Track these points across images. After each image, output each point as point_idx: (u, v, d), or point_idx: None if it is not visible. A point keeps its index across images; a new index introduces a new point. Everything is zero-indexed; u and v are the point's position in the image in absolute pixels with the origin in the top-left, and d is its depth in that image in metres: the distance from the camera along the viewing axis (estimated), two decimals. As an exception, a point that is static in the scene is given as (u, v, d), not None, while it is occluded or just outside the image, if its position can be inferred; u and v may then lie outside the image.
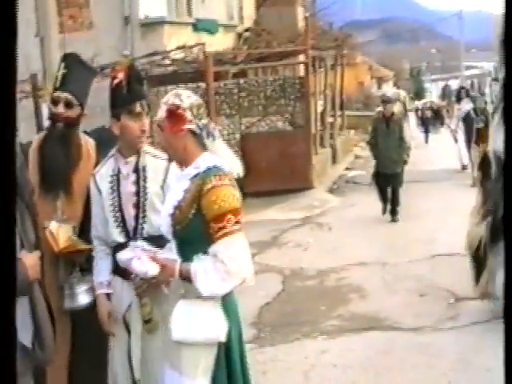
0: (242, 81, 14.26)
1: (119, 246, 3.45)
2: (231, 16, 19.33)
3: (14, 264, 1.55)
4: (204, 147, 3.04)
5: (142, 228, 3.50)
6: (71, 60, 3.77)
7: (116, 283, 3.58)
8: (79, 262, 3.67)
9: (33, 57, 14.37)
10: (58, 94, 3.67)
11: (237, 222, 2.90)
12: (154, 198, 3.48)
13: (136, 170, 3.53)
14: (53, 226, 3.52)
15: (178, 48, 14.11)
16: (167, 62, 14.24)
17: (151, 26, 15.04)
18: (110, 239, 3.56)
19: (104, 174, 3.59)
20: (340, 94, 19.46)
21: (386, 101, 11.23)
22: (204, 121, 3.04)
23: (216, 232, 2.87)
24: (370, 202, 11.16)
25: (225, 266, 2.84)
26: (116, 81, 3.52)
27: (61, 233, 3.50)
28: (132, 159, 3.53)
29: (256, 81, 14.40)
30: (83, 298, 3.64)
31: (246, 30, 19.75)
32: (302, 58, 16.28)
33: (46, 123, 12.56)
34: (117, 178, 3.55)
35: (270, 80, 14.28)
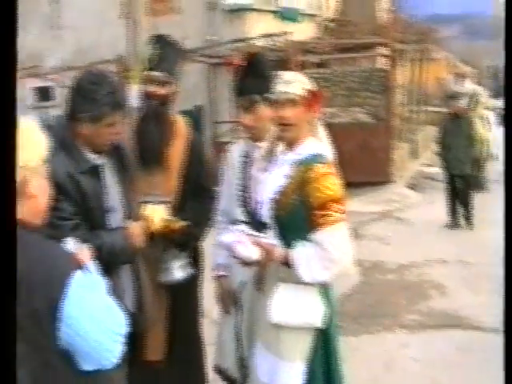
0: (324, 71, 14.23)
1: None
2: (314, 5, 19.22)
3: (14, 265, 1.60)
4: (311, 133, 3.07)
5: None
6: (162, 41, 3.80)
7: (231, 259, 3.65)
8: (175, 239, 3.76)
9: (120, 38, 14.70)
10: (150, 72, 3.72)
11: (341, 211, 2.93)
12: None
13: (266, 156, 3.48)
14: (148, 209, 3.61)
15: (263, 36, 14.18)
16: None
17: (236, 12, 15.13)
18: (233, 216, 3.64)
19: (236, 153, 3.68)
20: (420, 89, 19.17)
21: (452, 96, 10.65)
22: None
23: (320, 219, 2.88)
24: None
25: (328, 253, 2.87)
26: (237, 69, 3.66)
27: (155, 214, 3.58)
28: (263, 144, 3.53)
29: (339, 72, 14.34)
30: (178, 273, 3.72)
31: (329, 20, 19.64)
32: (383, 50, 16.12)
33: (131, 103, 12.81)
34: (246, 159, 3.62)
35: (354, 71, 14.20)
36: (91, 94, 3.06)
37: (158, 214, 3.53)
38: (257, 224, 3.36)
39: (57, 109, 12.96)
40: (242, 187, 3.61)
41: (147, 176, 3.75)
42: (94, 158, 3.20)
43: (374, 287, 7.43)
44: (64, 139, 3.09)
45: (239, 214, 3.60)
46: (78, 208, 3.08)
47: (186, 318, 3.87)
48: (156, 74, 3.71)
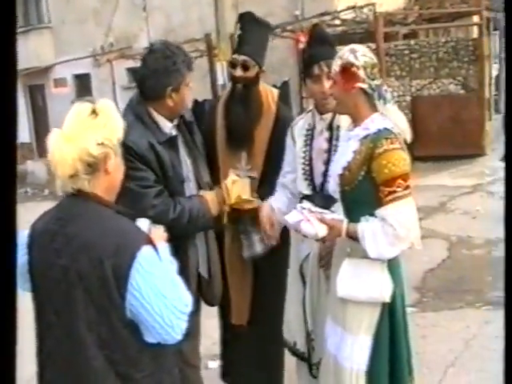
0: (412, 42, 13.93)
1: (305, 198, 3.55)
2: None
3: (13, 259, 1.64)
4: (375, 108, 3.00)
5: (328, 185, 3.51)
6: (246, 20, 3.82)
7: (295, 234, 3.65)
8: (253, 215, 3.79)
9: (206, 17, 14.86)
10: (235, 57, 3.77)
11: (407, 187, 2.87)
12: None
13: (330, 128, 3.53)
14: (229, 180, 3.69)
15: (349, 8, 14.00)
16: (337, 22, 14.19)
17: (322, -15, 14.97)
18: (297, 190, 3.65)
19: (301, 126, 3.66)
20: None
21: None
22: (377, 81, 2.98)
23: (386, 196, 2.86)
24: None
25: (394, 230, 2.84)
26: (300, 45, 3.62)
27: (234, 188, 3.65)
28: (327, 116, 3.53)
29: (427, 42, 13.99)
30: (258, 247, 3.80)
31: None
32: (475, 19, 15.60)
33: (220, 81, 12.90)
34: (311, 132, 3.60)
35: (443, 41, 13.82)
36: (172, 66, 3.22)
37: (236, 189, 3.61)
38: (323, 197, 3.38)
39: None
40: (307, 160, 3.60)
41: (235, 152, 3.86)
42: (170, 129, 3.37)
43: (459, 263, 7.28)
44: (141, 114, 3.27)
45: (304, 187, 3.61)
46: (158, 177, 3.26)
47: (270, 287, 3.95)
48: (238, 57, 3.75)
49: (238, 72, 3.76)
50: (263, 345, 4.04)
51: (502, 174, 12.02)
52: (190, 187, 3.48)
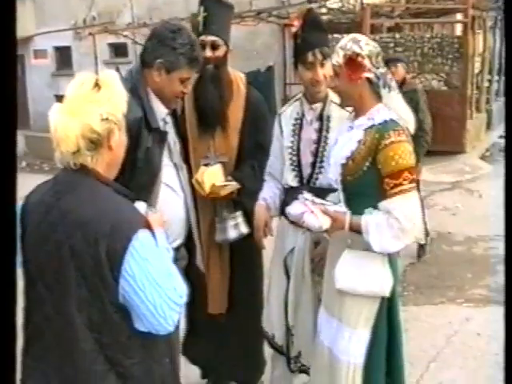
0: (398, 35, 13.90)
1: (291, 189, 3.51)
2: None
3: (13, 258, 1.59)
4: (379, 98, 2.95)
5: (317, 178, 3.47)
6: (209, 2, 3.76)
7: (282, 226, 3.64)
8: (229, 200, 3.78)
9: (193, -3, 14.70)
10: (202, 38, 3.67)
11: (412, 180, 2.83)
12: None
13: (320, 118, 3.47)
14: (199, 174, 3.63)
15: (337, -4, 13.95)
16: (323, 10, 14.10)
17: (310, -28, 14.86)
18: (284, 181, 3.59)
19: (288, 115, 3.60)
20: (498, 58, 18.56)
21: (392, 60, 7.03)
22: (382, 70, 2.94)
23: (391, 188, 2.81)
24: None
25: (399, 223, 2.79)
26: (293, 30, 3.49)
27: (206, 179, 3.59)
28: (317, 106, 3.48)
29: (413, 36, 13.95)
30: (232, 233, 3.76)
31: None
32: (459, 16, 15.63)
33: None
34: (300, 122, 3.54)
35: (428, 37, 13.80)
36: (169, 41, 3.10)
37: (208, 179, 3.55)
38: (310, 190, 3.30)
39: (130, 66, 13.15)
40: (294, 150, 3.54)
41: (207, 138, 3.77)
42: (164, 115, 3.23)
43: (440, 258, 7.30)
44: (138, 87, 3.12)
45: (291, 179, 3.55)
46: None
47: (246, 275, 3.93)
48: (206, 38, 3.67)
49: (208, 53, 3.68)
50: (241, 335, 4.00)
51: (481, 172, 12.15)
52: (183, 175, 3.40)
